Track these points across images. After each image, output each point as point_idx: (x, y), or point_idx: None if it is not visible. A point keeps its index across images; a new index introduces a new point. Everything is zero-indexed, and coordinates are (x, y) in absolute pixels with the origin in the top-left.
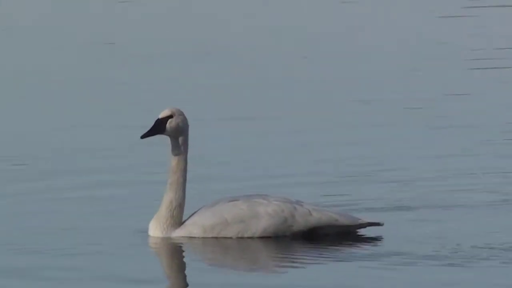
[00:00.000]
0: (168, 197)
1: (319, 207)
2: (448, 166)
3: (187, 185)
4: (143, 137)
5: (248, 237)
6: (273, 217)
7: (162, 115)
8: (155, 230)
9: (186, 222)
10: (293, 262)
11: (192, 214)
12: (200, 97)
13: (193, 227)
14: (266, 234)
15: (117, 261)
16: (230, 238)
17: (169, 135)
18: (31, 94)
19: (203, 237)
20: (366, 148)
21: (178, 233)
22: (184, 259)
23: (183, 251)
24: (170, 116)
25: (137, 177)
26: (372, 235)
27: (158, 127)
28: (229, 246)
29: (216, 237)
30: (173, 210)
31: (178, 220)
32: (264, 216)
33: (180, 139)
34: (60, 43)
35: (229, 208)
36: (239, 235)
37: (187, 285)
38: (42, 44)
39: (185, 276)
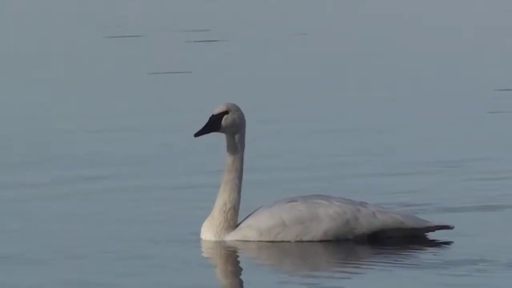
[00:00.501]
0: (222, 198)
1: (383, 208)
2: None
3: (243, 185)
4: (197, 135)
5: (308, 241)
6: (334, 219)
7: (217, 111)
8: (208, 233)
9: (241, 225)
10: (357, 267)
11: (248, 216)
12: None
13: (248, 230)
14: (327, 238)
15: (168, 267)
16: (288, 241)
17: (224, 133)
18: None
19: (259, 241)
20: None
21: (233, 237)
22: (239, 265)
23: (238, 256)
24: (226, 112)
25: (188, 178)
26: (442, 239)
27: (213, 124)
28: (287, 250)
29: (273, 241)
30: (227, 212)
31: (232, 222)
32: (325, 218)
33: (236, 136)
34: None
35: (287, 209)
36: (298, 239)
37: None
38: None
39: (239, 283)
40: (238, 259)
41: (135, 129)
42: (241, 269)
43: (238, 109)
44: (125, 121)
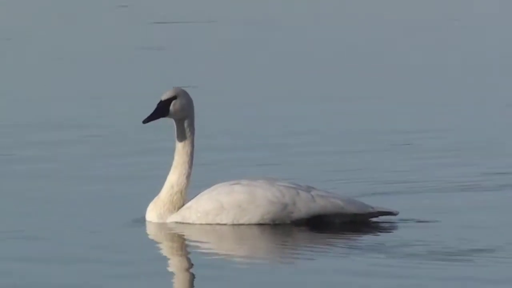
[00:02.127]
0: (170, 181)
1: (328, 193)
2: None
3: (196, 166)
4: (145, 121)
5: (245, 224)
6: (272, 203)
7: (165, 96)
8: (152, 215)
9: (183, 207)
10: (293, 250)
11: (192, 199)
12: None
13: (188, 212)
14: (265, 221)
15: (112, 245)
16: (225, 224)
17: (173, 118)
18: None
19: (198, 223)
20: None
21: (174, 219)
22: (176, 247)
23: (176, 238)
24: (174, 98)
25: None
26: (384, 225)
27: (162, 110)
28: (225, 233)
29: (210, 223)
30: (173, 195)
31: (178, 205)
32: (263, 201)
33: (186, 121)
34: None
35: (226, 192)
36: (235, 222)
37: (172, 273)
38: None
39: (175, 264)
40: (176, 241)
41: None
42: (177, 251)
43: (186, 94)
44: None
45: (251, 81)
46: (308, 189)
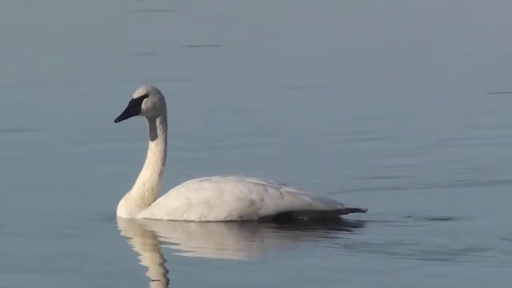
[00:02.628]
0: (142, 178)
1: (300, 190)
2: None
3: (170, 163)
4: (117, 120)
5: (213, 221)
6: (239, 199)
7: (136, 94)
8: (122, 210)
9: (152, 204)
10: (259, 247)
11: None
12: None
13: (157, 209)
14: (232, 218)
15: (83, 241)
16: (193, 221)
17: (145, 116)
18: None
19: (167, 219)
20: None
21: (143, 215)
22: (144, 243)
23: (144, 234)
24: (146, 96)
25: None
26: (353, 221)
27: (133, 108)
28: (192, 230)
29: (178, 220)
30: (144, 192)
31: (148, 202)
32: (230, 197)
33: (158, 119)
34: None
35: (194, 189)
36: (203, 218)
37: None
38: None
39: (142, 261)
40: (145, 237)
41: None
42: (145, 247)
43: (158, 92)
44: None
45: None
46: (279, 185)
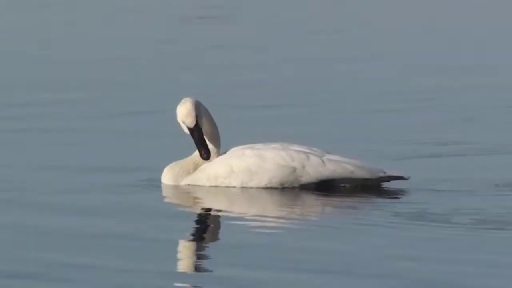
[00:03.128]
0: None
1: (342, 157)
2: None
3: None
4: (207, 155)
5: (254, 187)
6: (281, 167)
7: (189, 123)
8: (167, 177)
9: (197, 170)
10: (301, 214)
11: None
12: None
13: (199, 175)
14: (273, 185)
15: (121, 211)
16: (235, 187)
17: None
18: None
19: (209, 185)
20: None
21: (187, 181)
22: (185, 209)
23: (187, 200)
24: (197, 117)
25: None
26: (395, 189)
27: (200, 136)
28: (234, 196)
29: (219, 186)
30: (196, 163)
31: (193, 168)
32: (271, 165)
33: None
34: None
35: (236, 156)
36: (243, 185)
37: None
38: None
39: (183, 227)
40: (186, 203)
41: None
42: (187, 213)
43: (199, 105)
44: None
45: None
46: (322, 153)
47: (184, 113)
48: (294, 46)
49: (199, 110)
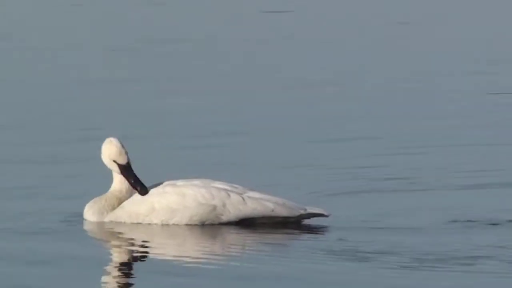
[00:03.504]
0: (118, 186)
1: (265, 195)
2: None
3: None
4: (145, 191)
5: (175, 224)
6: (201, 205)
7: (122, 161)
8: (89, 213)
9: (118, 207)
10: (223, 249)
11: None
12: None
13: (121, 213)
14: (193, 222)
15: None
16: (156, 224)
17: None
18: None
19: (130, 223)
20: None
21: (109, 218)
22: (108, 245)
23: (110, 236)
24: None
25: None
26: (315, 225)
27: (131, 172)
28: (155, 232)
29: (141, 223)
30: (119, 198)
31: (115, 205)
32: (192, 203)
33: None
34: None
35: (157, 193)
36: (164, 223)
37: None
38: None
39: (104, 263)
40: (109, 240)
41: None
42: (107, 250)
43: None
44: None
45: None
46: (243, 190)
47: (115, 151)
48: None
49: (124, 147)
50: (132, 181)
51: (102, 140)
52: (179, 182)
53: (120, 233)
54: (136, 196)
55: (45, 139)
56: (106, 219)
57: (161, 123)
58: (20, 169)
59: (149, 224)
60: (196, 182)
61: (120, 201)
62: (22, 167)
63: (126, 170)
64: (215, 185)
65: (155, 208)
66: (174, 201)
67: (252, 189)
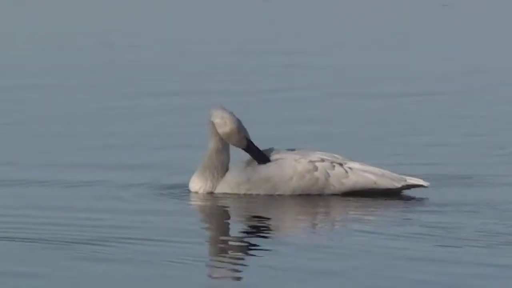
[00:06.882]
0: (213, 158)
1: (364, 166)
2: None
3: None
4: (264, 160)
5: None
6: (303, 177)
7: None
8: (195, 185)
9: (222, 179)
10: (327, 220)
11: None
12: None
13: (223, 184)
14: (296, 193)
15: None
16: (258, 195)
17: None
18: None
19: (233, 193)
20: None
21: (219, 189)
22: (212, 216)
23: (214, 208)
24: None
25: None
26: (416, 195)
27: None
28: (258, 203)
29: (244, 194)
30: (217, 169)
31: (218, 176)
32: (294, 176)
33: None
34: None
35: (257, 165)
36: (268, 194)
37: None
38: None
39: (208, 233)
40: (213, 210)
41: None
42: (212, 220)
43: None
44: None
45: None
46: (344, 161)
47: (233, 139)
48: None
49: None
50: (256, 156)
51: None
52: (280, 154)
53: (224, 205)
54: (237, 166)
55: None
56: (212, 190)
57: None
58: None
59: (251, 195)
60: (296, 153)
61: (222, 164)
62: None
63: (249, 147)
64: (316, 156)
65: (253, 181)
66: (276, 174)
67: (351, 159)
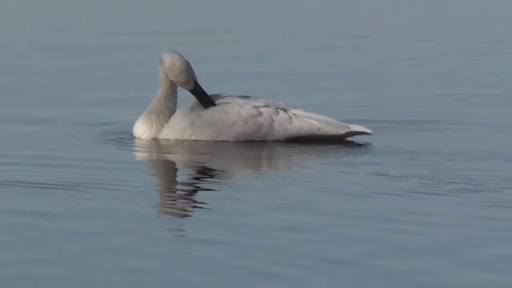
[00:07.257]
0: (160, 103)
1: (308, 113)
2: None
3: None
4: (209, 105)
5: (222, 141)
6: (247, 123)
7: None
8: (139, 131)
9: (166, 124)
10: (270, 165)
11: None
12: None
13: (167, 129)
14: (240, 140)
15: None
16: (202, 140)
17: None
18: None
19: (176, 139)
20: None
21: (162, 135)
22: (156, 162)
23: (157, 153)
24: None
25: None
26: (361, 142)
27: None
28: (202, 148)
29: (188, 139)
30: (163, 113)
31: (162, 122)
32: (238, 121)
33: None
34: None
35: (200, 111)
36: (211, 139)
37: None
38: None
39: (154, 179)
40: (157, 156)
41: None
42: (156, 165)
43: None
44: None
45: None
46: (287, 107)
47: (181, 79)
48: None
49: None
50: (202, 99)
51: None
52: (224, 99)
53: (167, 149)
54: (181, 111)
55: None
56: (155, 135)
57: None
58: None
59: (195, 140)
60: (241, 99)
61: (169, 110)
62: None
63: (195, 89)
64: (260, 102)
65: (197, 126)
66: (219, 118)
67: (294, 106)
